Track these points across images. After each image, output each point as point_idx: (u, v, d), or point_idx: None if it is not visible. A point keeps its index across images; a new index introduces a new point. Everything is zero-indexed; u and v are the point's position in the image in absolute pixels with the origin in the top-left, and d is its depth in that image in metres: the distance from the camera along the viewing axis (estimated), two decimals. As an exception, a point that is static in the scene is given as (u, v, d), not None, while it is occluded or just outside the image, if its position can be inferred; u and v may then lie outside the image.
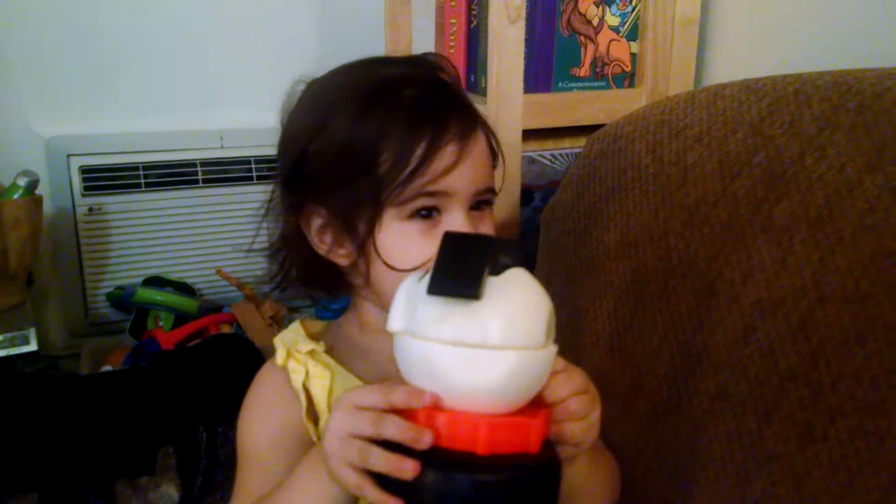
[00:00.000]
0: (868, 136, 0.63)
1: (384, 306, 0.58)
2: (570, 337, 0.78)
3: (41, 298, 1.73)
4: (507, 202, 1.12)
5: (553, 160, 1.18)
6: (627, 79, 1.14)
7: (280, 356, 0.64)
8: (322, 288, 0.69)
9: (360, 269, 0.63)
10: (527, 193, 1.15)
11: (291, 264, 0.67)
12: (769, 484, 0.56)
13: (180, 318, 1.57)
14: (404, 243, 0.60)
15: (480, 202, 0.63)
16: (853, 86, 0.69)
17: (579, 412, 0.51)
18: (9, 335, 1.25)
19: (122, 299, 1.61)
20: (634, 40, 1.13)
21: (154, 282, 1.62)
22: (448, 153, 0.59)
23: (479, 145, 0.62)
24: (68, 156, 1.67)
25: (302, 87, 0.67)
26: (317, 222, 0.64)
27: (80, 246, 1.72)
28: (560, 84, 1.11)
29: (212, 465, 0.74)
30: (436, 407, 0.47)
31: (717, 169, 0.73)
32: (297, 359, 0.64)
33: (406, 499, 0.46)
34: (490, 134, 0.65)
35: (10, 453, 0.68)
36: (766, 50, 1.08)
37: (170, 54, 1.65)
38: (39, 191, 1.66)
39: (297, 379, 0.63)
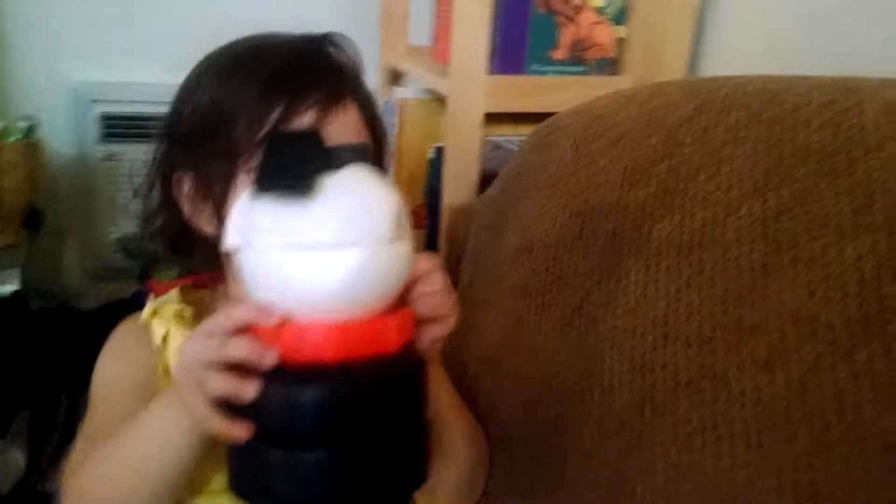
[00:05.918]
0: (767, 154, 0.56)
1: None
2: (456, 349, 0.73)
3: (57, 239, 1.79)
4: (463, 187, 1.07)
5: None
6: (610, 66, 1.06)
7: (146, 312, 0.65)
8: (197, 258, 0.68)
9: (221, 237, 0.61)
10: (489, 180, 1.09)
11: (161, 230, 0.66)
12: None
13: (189, 270, 1.59)
14: None
15: None
16: (778, 94, 0.61)
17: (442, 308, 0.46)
18: (-8, 275, 1.30)
19: (128, 246, 1.65)
20: (621, 24, 1.04)
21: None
22: (303, 122, 0.57)
23: (345, 118, 0.59)
24: (92, 101, 1.71)
25: None
26: (185, 186, 0.63)
27: (94, 191, 1.77)
28: (534, 66, 1.04)
29: (67, 435, 0.71)
30: (284, 321, 0.42)
31: (620, 176, 0.66)
32: (163, 316, 0.64)
33: (257, 423, 0.42)
34: (368, 111, 0.62)
35: None
36: (778, 39, 0.96)
37: (200, 7, 1.64)
38: (62, 133, 1.70)
39: (159, 334, 0.64)
